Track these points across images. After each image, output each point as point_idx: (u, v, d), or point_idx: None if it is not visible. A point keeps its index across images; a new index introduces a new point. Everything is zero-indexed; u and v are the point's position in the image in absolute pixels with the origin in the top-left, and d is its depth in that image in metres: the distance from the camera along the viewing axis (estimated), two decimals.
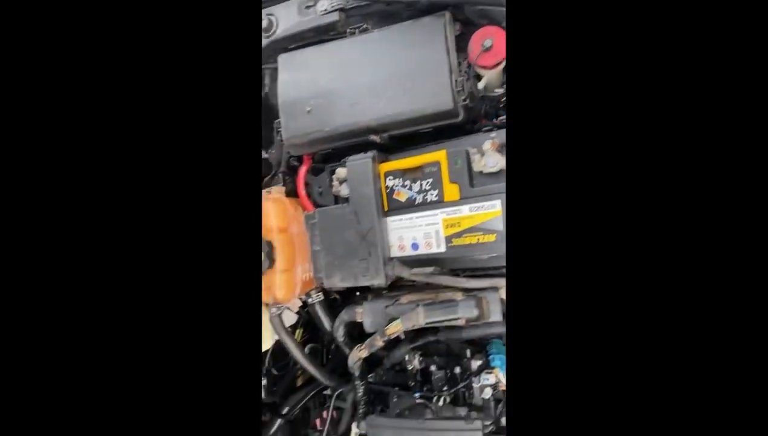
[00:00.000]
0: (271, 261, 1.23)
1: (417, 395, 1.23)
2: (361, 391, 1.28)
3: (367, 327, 1.17)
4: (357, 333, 1.33)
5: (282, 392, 1.61)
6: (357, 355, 1.19)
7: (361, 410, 1.27)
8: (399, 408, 1.24)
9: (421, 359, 1.34)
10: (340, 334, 1.27)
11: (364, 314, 1.16)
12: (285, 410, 1.61)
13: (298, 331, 1.67)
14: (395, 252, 1.13)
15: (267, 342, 1.40)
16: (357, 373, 1.25)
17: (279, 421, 1.63)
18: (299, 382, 1.72)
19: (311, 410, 1.77)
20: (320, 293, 1.39)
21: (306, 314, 1.49)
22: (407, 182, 1.12)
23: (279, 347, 1.57)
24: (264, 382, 1.50)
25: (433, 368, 1.33)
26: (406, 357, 1.33)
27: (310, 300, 1.39)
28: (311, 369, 1.37)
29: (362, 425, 1.24)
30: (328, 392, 1.57)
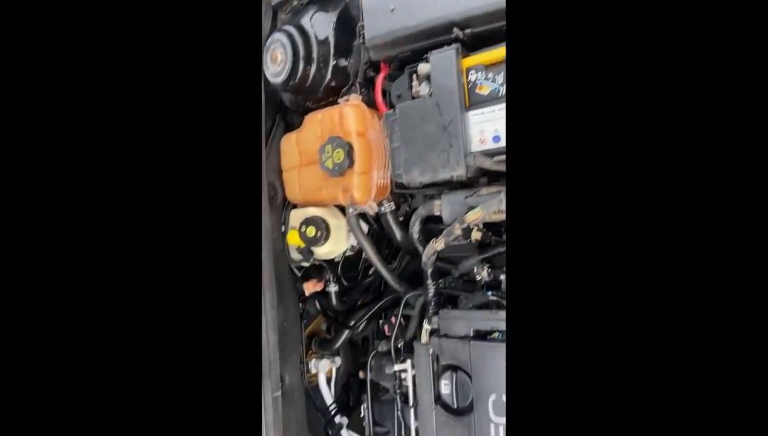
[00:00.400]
0: (351, 161, 1.28)
1: (490, 293, 1.26)
2: (432, 291, 1.32)
3: (446, 218, 1.19)
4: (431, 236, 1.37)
5: (350, 304, 1.68)
6: (432, 248, 1.22)
7: (431, 310, 1.31)
8: (470, 305, 1.27)
9: (489, 270, 1.36)
10: (415, 230, 1.31)
11: (443, 205, 1.19)
12: (352, 323, 1.68)
13: None
14: (476, 146, 1.14)
15: (341, 245, 1.47)
16: (429, 271, 1.29)
17: (346, 332, 1.71)
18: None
19: (371, 339, 1.84)
20: (392, 203, 1.44)
21: (377, 226, 1.54)
22: (491, 75, 1.12)
23: (347, 260, 1.65)
24: (335, 289, 1.57)
25: (502, 277, 1.35)
26: (475, 269, 1.36)
27: (382, 209, 1.43)
28: (383, 270, 1.42)
29: (434, 320, 1.28)
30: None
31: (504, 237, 1.33)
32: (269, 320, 1.35)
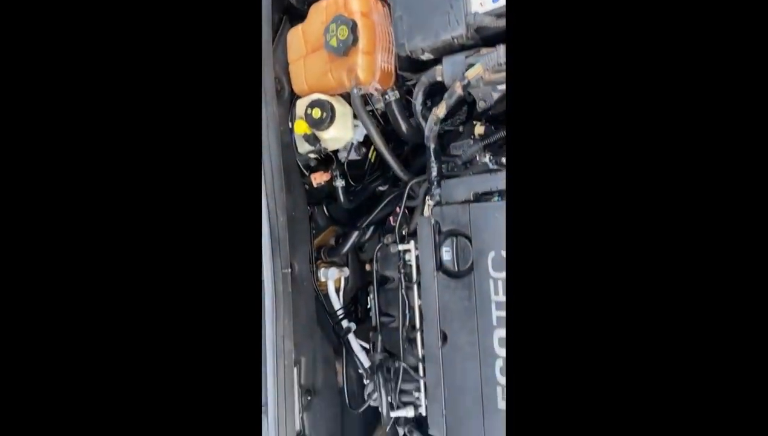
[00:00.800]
0: (355, 38, 1.31)
1: (488, 159, 1.30)
2: (435, 170, 1.36)
3: (447, 80, 1.23)
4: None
5: (357, 203, 1.73)
6: (435, 116, 1.26)
7: (434, 184, 1.35)
8: (470, 173, 1.32)
9: (491, 157, 1.40)
10: (418, 102, 1.35)
11: (444, 67, 1.22)
12: (360, 223, 1.74)
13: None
14: (476, 8, 1.17)
15: (347, 133, 1.51)
16: (432, 146, 1.33)
17: (354, 235, 1.77)
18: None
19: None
20: (396, 92, 1.47)
21: (382, 118, 1.58)
22: None
23: (352, 164, 1.69)
24: (342, 184, 1.62)
25: (503, 160, 1.39)
26: (477, 157, 1.40)
27: (386, 97, 1.47)
28: (387, 155, 1.47)
29: (435, 193, 1.33)
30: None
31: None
32: (278, 203, 1.40)
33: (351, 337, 1.74)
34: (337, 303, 1.79)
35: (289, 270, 1.43)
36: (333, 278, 1.77)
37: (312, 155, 1.56)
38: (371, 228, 1.77)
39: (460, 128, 1.54)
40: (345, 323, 1.77)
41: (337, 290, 1.79)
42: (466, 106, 1.45)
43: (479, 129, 1.41)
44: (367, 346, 1.70)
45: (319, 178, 1.56)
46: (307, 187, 1.67)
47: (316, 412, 1.60)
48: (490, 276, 1.18)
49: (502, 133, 1.35)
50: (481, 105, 1.45)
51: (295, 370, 1.53)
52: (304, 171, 1.64)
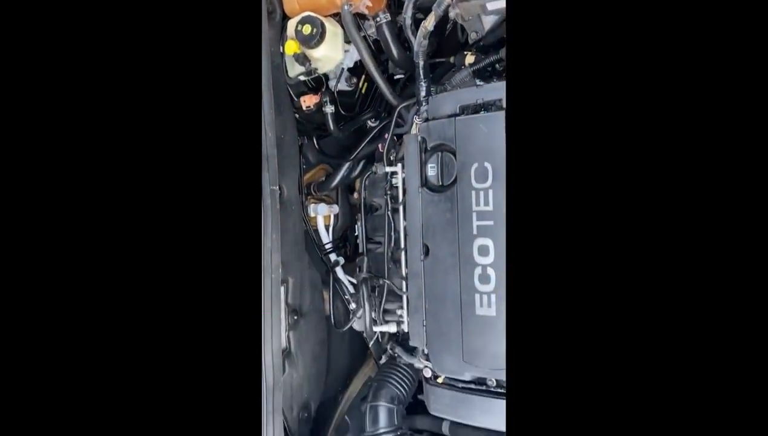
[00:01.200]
0: None
1: (477, 81, 1.32)
2: (423, 89, 1.38)
3: None
4: None
5: (347, 133, 1.75)
6: (424, 27, 1.27)
7: (422, 102, 1.37)
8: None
9: (480, 82, 1.41)
10: (408, 15, 1.36)
11: None
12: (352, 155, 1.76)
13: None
14: None
15: (337, 53, 1.52)
16: (421, 63, 1.35)
17: (344, 168, 1.79)
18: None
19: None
20: (387, 14, 1.47)
21: (374, 46, 1.58)
22: None
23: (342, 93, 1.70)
24: (331, 110, 1.63)
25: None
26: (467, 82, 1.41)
27: (378, 19, 1.47)
28: (377, 76, 1.48)
29: (422, 111, 1.35)
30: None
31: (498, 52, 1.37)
32: (267, 120, 1.41)
33: (339, 270, 1.78)
34: (326, 238, 1.82)
35: (278, 188, 1.45)
36: (323, 214, 1.79)
37: (302, 78, 1.57)
38: (361, 163, 1.79)
39: (452, 59, 1.56)
40: (333, 257, 1.81)
41: (327, 227, 1.82)
42: None
43: (470, 58, 1.42)
44: (354, 281, 1.74)
45: (308, 101, 1.57)
46: (297, 116, 1.68)
47: (302, 332, 1.65)
48: (472, 188, 1.21)
49: (492, 59, 1.37)
50: (473, 36, 1.46)
51: (282, 288, 1.57)
52: (294, 97, 1.65)
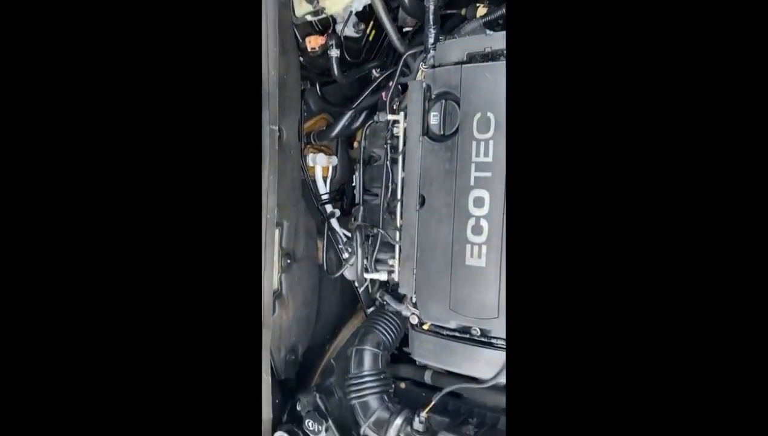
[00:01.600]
0: None
1: (487, 31, 1.29)
2: (432, 34, 1.34)
3: None
4: None
5: (351, 79, 1.71)
6: None
7: (429, 49, 1.34)
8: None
9: (490, 33, 1.38)
10: None
11: None
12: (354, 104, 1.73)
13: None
14: None
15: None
16: (432, 8, 1.31)
17: (346, 116, 1.76)
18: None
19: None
20: None
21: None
22: None
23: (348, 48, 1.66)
24: (336, 54, 1.59)
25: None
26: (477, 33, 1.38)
27: None
28: (386, 21, 1.44)
29: (429, 57, 1.32)
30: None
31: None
32: (271, 58, 1.38)
33: (334, 221, 1.78)
34: (323, 188, 1.81)
35: (277, 130, 1.43)
36: (321, 164, 1.78)
37: (309, 18, 1.53)
38: (363, 114, 1.77)
39: (463, 11, 1.52)
40: (329, 208, 1.81)
41: (324, 179, 1.81)
42: None
43: (481, 10, 1.39)
44: (349, 233, 1.74)
45: (314, 43, 1.53)
46: (301, 59, 1.65)
47: (294, 276, 1.67)
48: (473, 138, 1.20)
49: (503, 11, 1.33)
50: None
51: (277, 231, 1.58)
52: (300, 38, 1.61)
